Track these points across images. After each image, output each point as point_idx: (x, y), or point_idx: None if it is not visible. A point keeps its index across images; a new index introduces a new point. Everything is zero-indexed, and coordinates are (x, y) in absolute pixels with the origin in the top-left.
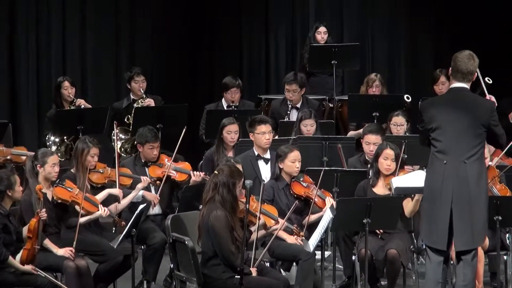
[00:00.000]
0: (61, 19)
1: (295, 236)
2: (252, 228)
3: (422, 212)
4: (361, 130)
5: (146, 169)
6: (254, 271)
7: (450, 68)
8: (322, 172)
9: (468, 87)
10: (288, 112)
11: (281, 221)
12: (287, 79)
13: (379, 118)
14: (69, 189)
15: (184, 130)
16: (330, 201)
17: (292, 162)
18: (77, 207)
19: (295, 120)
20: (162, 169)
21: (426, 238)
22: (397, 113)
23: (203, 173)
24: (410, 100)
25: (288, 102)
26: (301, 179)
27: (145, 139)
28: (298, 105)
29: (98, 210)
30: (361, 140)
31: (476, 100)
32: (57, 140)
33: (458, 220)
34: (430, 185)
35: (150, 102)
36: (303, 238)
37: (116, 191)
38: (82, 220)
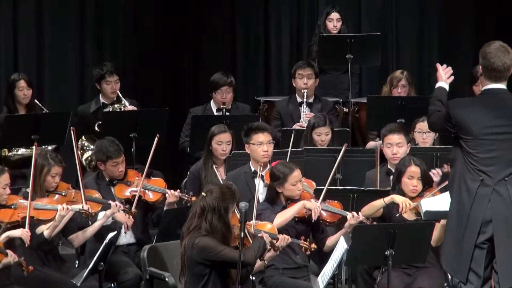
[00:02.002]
0: (12, 4)
1: (304, 249)
2: None
3: (447, 231)
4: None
5: (112, 188)
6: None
7: (480, 68)
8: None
9: (505, 87)
10: (303, 111)
11: (281, 236)
12: (299, 64)
13: (405, 125)
14: (12, 206)
15: (156, 139)
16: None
17: (294, 185)
18: (42, 226)
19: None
20: (131, 188)
21: (445, 263)
22: (422, 119)
23: (178, 190)
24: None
25: (299, 98)
26: (296, 198)
27: (106, 155)
28: (311, 100)
29: (57, 212)
30: (382, 147)
31: None
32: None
33: (502, 251)
34: (460, 202)
35: (132, 108)
36: (311, 274)
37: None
38: (46, 233)
